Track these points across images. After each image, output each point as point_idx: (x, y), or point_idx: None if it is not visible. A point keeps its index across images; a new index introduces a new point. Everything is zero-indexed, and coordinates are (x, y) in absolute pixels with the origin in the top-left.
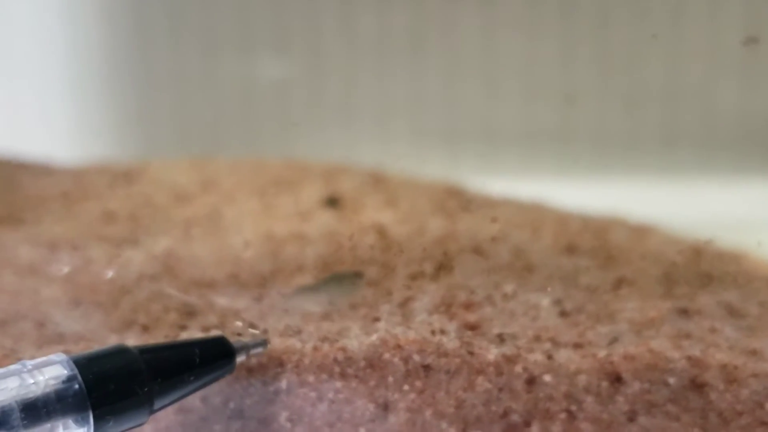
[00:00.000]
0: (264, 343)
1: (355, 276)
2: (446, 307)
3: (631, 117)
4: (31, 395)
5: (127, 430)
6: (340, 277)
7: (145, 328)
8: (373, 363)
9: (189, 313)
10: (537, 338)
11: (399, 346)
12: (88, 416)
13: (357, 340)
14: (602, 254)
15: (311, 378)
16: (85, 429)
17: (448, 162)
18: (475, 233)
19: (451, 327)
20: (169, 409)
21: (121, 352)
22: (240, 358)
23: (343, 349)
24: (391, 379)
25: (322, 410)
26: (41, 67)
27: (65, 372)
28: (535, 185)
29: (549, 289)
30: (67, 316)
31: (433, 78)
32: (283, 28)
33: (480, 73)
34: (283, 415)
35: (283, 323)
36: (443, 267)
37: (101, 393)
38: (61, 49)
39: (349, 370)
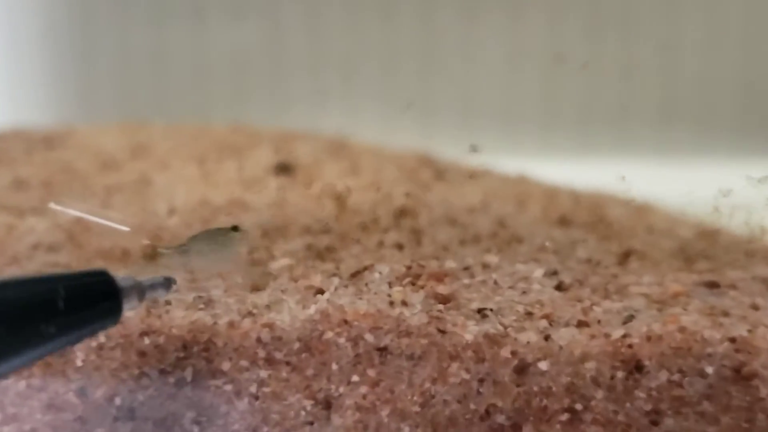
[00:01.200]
0: (166, 283)
1: (232, 231)
2: (413, 278)
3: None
4: None
5: None
6: (211, 233)
7: None
8: (311, 345)
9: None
10: (528, 315)
11: (345, 322)
12: None
13: (289, 314)
14: (601, 228)
15: (226, 365)
16: None
17: (421, 133)
18: (451, 203)
19: (416, 299)
20: (35, 406)
21: None
22: (130, 304)
23: (270, 326)
24: (335, 366)
25: (241, 409)
26: None
27: None
28: (518, 160)
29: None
30: None
31: (407, 41)
32: None
33: (459, 36)
34: (189, 416)
35: (191, 293)
36: (411, 236)
37: None
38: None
39: (278, 355)
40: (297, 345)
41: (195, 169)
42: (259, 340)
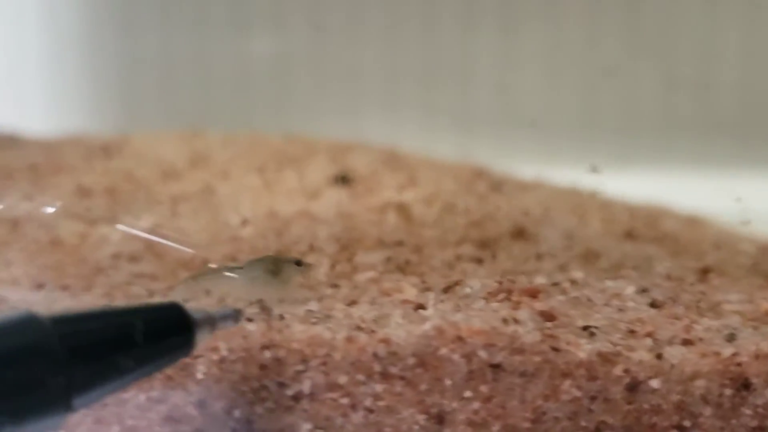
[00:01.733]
0: (235, 315)
1: (295, 264)
2: (506, 294)
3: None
4: None
5: None
6: (273, 261)
7: None
8: (426, 360)
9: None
10: (631, 333)
11: (460, 339)
12: None
13: (403, 329)
14: (668, 243)
15: (343, 379)
16: None
17: (464, 144)
18: (515, 216)
19: (524, 316)
20: (153, 419)
21: (25, 321)
22: (202, 336)
23: (386, 341)
24: (448, 381)
25: (356, 422)
26: (13, 33)
27: None
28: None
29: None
30: (26, 299)
31: (447, 53)
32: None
33: (498, 50)
34: (305, 428)
35: (302, 306)
36: (484, 250)
37: None
38: (36, 15)
39: (393, 369)
40: (412, 360)
41: (256, 179)
42: (375, 354)
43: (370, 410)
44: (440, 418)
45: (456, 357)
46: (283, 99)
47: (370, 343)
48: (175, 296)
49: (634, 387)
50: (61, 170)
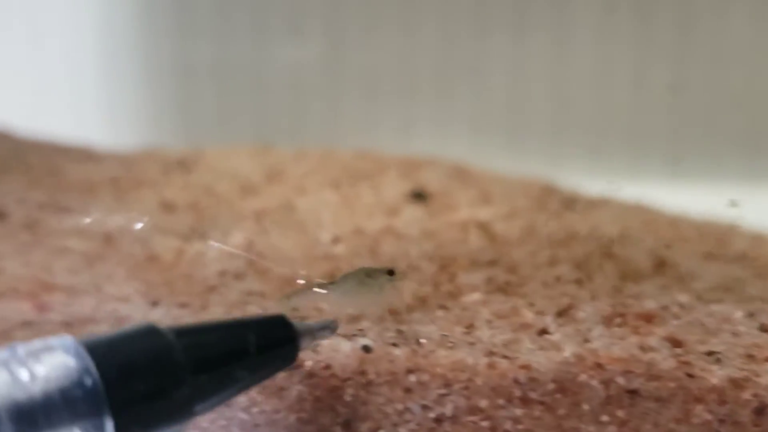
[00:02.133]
0: (332, 325)
1: (387, 274)
2: (621, 318)
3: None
4: (24, 396)
5: None
6: (366, 272)
7: None
8: (565, 386)
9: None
10: (750, 357)
11: (599, 366)
12: (105, 427)
13: (543, 356)
14: (748, 263)
15: (484, 403)
16: None
17: (512, 157)
18: (596, 235)
19: (654, 342)
20: None
21: (149, 334)
22: (304, 345)
23: (527, 368)
24: (586, 407)
25: None
26: (73, 48)
27: (73, 362)
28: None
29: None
30: (148, 318)
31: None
32: (336, 12)
33: (547, 56)
34: None
35: (441, 325)
36: (578, 270)
37: (124, 393)
38: (94, 30)
39: (533, 395)
40: (551, 386)
41: (333, 195)
42: (516, 380)
43: None
44: None
45: (595, 383)
46: (334, 109)
47: (511, 369)
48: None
49: (761, 410)
50: (142, 184)
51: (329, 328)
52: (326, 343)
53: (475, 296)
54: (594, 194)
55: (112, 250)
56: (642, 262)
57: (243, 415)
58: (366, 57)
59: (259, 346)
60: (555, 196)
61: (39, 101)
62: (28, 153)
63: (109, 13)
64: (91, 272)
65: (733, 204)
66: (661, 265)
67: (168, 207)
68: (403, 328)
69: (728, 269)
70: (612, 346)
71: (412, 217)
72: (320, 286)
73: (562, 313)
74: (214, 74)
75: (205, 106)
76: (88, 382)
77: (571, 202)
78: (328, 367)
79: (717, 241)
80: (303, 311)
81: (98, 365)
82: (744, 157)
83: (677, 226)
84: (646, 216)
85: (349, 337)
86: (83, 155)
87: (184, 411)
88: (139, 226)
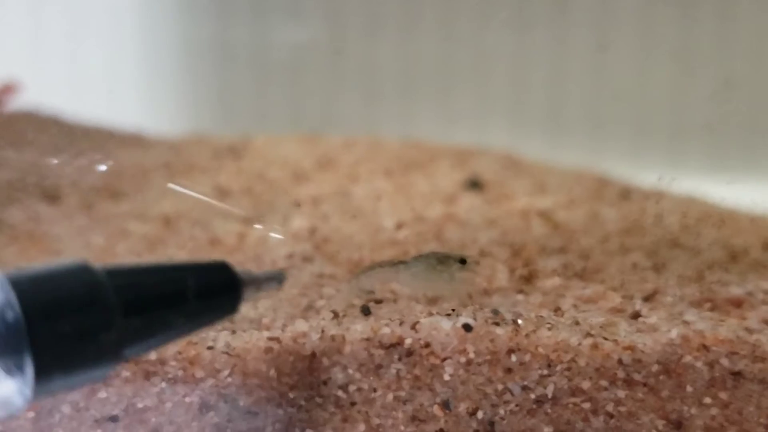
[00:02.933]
0: (279, 276)
1: (459, 262)
2: (711, 303)
3: None
4: None
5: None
6: (438, 258)
7: (335, 314)
8: (669, 368)
9: (373, 300)
10: None
11: (705, 347)
12: (24, 365)
13: (648, 337)
14: None
15: (586, 384)
16: (19, 382)
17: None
18: (660, 225)
19: (755, 324)
20: (399, 417)
21: (81, 272)
22: (248, 295)
23: (632, 349)
24: (689, 388)
25: (596, 426)
26: (113, 37)
27: None
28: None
29: None
30: None
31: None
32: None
33: (588, 50)
34: (546, 431)
35: (530, 310)
36: (651, 258)
37: (47, 330)
38: (133, 15)
39: (637, 376)
40: (656, 367)
41: (386, 183)
42: (620, 361)
43: (610, 415)
44: (679, 424)
45: (699, 365)
46: (371, 98)
47: (616, 350)
48: (347, 294)
49: None
50: (194, 169)
51: (276, 279)
52: (426, 321)
53: (555, 280)
54: (647, 186)
55: (172, 234)
56: (712, 251)
57: (339, 393)
58: (405, 49)
59: (197, 292)
60: (610, 186)
61: (78, 87)
62: (78, 138)
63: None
64: (153, 255)
65: None
66: (731, 255)
67: (223, 192)
68: (500, 308)
69: None
70: (716, 327)
71: (470, 205)
72: (391, 265)
73: (649, 298)
74: (252, 60)
75: (244, 92)
76: (9, 316)
77: (627, 193)
78: (427, 345)
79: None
80: (378, 293)
81: (21, 300)
82: None
83: (733, 218)
84: (702, 208)
85: (448, 315)
86: (133, 140)
87: (112, 354)
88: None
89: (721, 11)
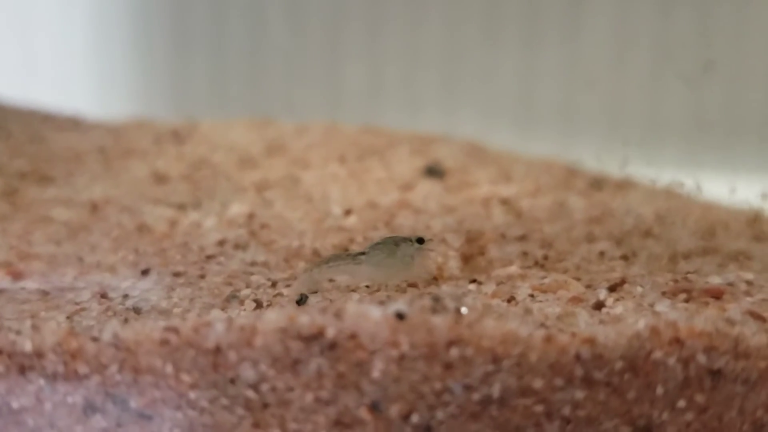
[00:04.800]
0: None
1: (416, 242)
2: (686, 294)
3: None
4: None
5: None
6: (394, 242)
7: (258, 304)
8: (636, 365)
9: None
10: None
11: (678, 341)
12: None
13: (611, 329)
14: None
15: (538, 383)
16: None
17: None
18: (632, 214)
19: (737, 316)
20: (320, 422)
21: None
22: None
23: (591, 342)
24: (660, 389)
25: None
26: (62, 17)
27: None
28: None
29: None
30: (136, 287)
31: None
32: None
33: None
34: None
35: (476, 297)
36: (619, 246)
37: None
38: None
39: (598, 375)
40: (620, 364)
41: (339, 169)
42: (578, 356)
43: (567, 420)
44: (647, 431)
45: (672, 361)
46: (341, 90)
47: (573, 344)
48: (299, 287)
49: None
50: (132, 154)
51: None
52: (352, 309)
53: (512, 269)
54: (620, 176)
55: (98, 220)
56: (687, 241)
57: (249, 393)
58: (369, 33)
59: None
60: (580, 176)
61: (27, 72)
62: (9, 120)
63: None
64: (74, 242)
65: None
66: (710, 245)
67: (160, 178)
68: (441, 295)
69: None
70: (692, 318)
71: (428, 191)
72: (350, 256)
73: (616, 288)
74: (208, 45)
75: (198, 78)
76: None
77: (598, 183)
78: (353, 336)
79: (749, 225)
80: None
81: None
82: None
83: (710, 210)
84: (678, 200)
85: (380, 302)
86: (69, 124)
87: None
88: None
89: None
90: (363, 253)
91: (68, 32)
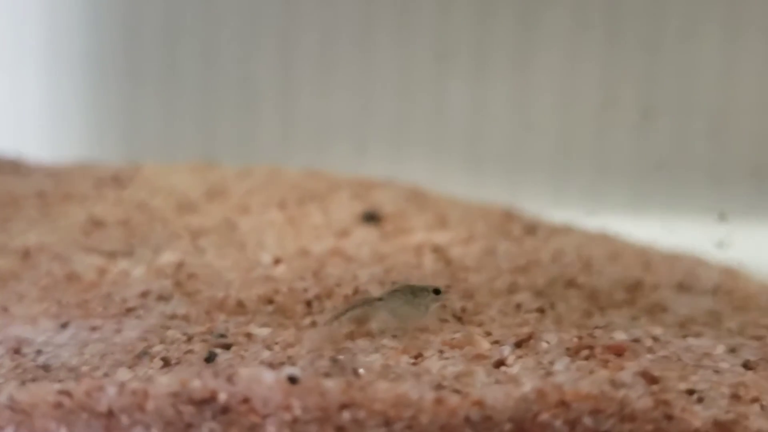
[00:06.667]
0: None
1: (433, 293)
2: (589, 351)
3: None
4: None
5: None
6: (411, 290)
7: (166, 362)
8: (524, 427)
9: (222, 345)
10: (736, 398)
11: (564, 403)
12: None
13: (499, 390)
14: (723, 296)
15: None
16: None
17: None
18: (559, 263)
19: (627, 378)
20: None
21: None
22: None
23: (480, 404)
24: None
25: None
26: (13, 56)
27: None
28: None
29: None
30: (51, 342)
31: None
32: (292, 23)
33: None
34: None
35: (376, 360)
36: (539, 298)
37: None
38: (36, 37)
39: None
40: (508, 426)
41: (278, 214)
42: (467, 419)
43: None
44: None
45: (558, 423)
46: (290, 131)
47: (462, 406)
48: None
49: None
50: (71, 199)
51: None
52: (244, 373)
53: (428, 322)
54: (557, 222)
55: (29, 268)
56: (609, 291)
57: None
58: (320, 75)
59: None
60: (516, 221)
61: None
62: None
63: (53, 18)
64: (3, 291)
65: (719, 243)
66: (630, 296)
67: (96, 223)
68: (340, 356)
69: (702, 302)
70: (579, 380)
71: (363, 239)
72: (368, 302)
73: (522, 344)
74: (160, 87)
75: (150, 121)
76: None
77: (532, 229)
78: (246, 400)
79: (686, 273)
80: (231, 337)
81: None
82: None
83: (644, 257)
84: (612, 246)
85: (275, 365)
86: (9, 167)
87: None
88: None
89: (645, 42)
90: (380, 299)
91: (19, 74)
